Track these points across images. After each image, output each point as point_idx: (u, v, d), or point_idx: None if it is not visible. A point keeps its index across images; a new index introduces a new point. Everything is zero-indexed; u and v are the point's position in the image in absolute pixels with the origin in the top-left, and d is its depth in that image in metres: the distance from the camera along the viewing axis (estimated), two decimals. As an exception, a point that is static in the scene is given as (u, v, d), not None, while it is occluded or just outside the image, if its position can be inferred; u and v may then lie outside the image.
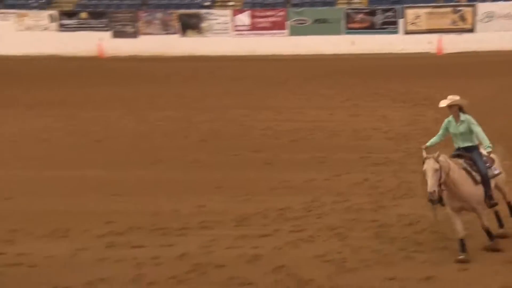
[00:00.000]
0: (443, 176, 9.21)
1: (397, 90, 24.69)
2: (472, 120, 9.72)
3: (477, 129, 9.68)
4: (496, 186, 10.00)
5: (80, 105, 23.07)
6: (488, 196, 9.62)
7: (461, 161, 9.55)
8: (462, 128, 9.71)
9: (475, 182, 9.52)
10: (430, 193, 9.09)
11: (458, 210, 9.54)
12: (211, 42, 37.92)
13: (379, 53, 35.68)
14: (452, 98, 9.76)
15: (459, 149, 9.78)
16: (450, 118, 9.81)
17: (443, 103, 9.74)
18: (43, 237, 10.86)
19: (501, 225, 10.21)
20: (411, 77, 27.63)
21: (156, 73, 30.98)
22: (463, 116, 9.73)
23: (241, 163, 15.33)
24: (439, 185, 9.17)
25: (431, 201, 9.37)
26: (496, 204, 9.76)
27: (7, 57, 36.43)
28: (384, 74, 28.98)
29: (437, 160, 9.18)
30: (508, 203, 10.36)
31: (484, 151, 9.73)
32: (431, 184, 9.09)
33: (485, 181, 9.60)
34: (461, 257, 9.36)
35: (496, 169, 9.92)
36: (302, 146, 16.78)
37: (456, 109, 9.74)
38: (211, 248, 10.22)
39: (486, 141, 9.66)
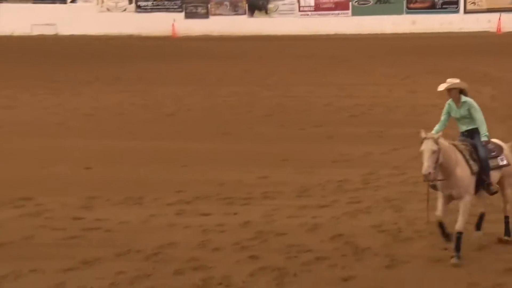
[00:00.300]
0: (441, 158, 8.24)
1: (456, 67, 24.10)
2: (473, 104, 8.74)
3: (477, 114, 8.70)
4: (503, 180, 8.84)
5: (153, 81, 23.33)
6: (486, 184, 8.63)
7: (462, 147, 8.61)
8: (463, 111, 8.76)
9: (472, 172, 8.53)
10: (425, 175, 8.15)
11: (448, 199, 8.60)
12: (277, 22, 37.73)
13: (439, 32, 34.90)
14: (451, 81, 8.78)
15: (463, 133, 8.86)
16: (450, 101, 8.85)
17: (442, 87, 8.77)
18: (118, 204, 11.05)
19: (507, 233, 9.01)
20: (470, 55, 26.95)
21: (225, 52, 31.05)
22: (464, 99, 8.77)
23: (304, 137, 15.28)
24: (436, 167, 8.20)
25: (432, 186, 8.57)
26: (496, 192, 8.74)
27: (89, 37, 37.09)
28: (443, 52, 28.34)
29: (436, 142, 8.23)
30: (506, 217, 9.02)
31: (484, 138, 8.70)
32: (427, 166, 8.12)
33: (483, 168, 8.59)
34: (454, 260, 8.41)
35: (503, 160, 8.83)
36: (361, 121, 16.61)
37: (456, 93, 8.76)
38: (273, 217, 10.22)
39: (483, 128, 8.68)
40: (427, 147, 8.20)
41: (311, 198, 11.03)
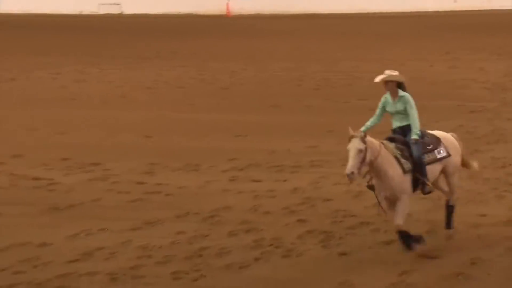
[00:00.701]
0: (369, 157, 7.32)
1: (495, 44, 23.49)
2: (410, 100, 7.73)
3: (412, 111, 7.68)
4: (444, 173, 7.92)
5: (209, 57, 23.36)
6: (421, 183, 7.60)
7: (392, 145, 7.61)
8: (399, 106, 7.74)
9: (404, 170, 7.52)
10: (348, 175, 7.23)
11: (389, 201, 7.65)
12: (325, 1, 37.26)
13: (479, 9, 33.98)
14: (388, 73, 7.76)
15: (395, 130, 7.86)
16: (387, 95, 7.82)
17: (378, 78, 7.75)
18: (177, 170, 11.16)
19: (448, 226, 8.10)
20: (509, 32, 26.17)
21: (276, 30, 30.86)
22: (401, 93, 7.75)
23: (349, 109, 15.13)
24: (362, 167, 7.27)
25: (369, 187, 7.73)
26: (430, 191, 7.75)
27: (151, 15, 37.29)
28: (483, 29, 27.61)
29: (363, 140, 7.30)
30: (447, 204, 8.06)
31: (415, 136, 7.68)
32: (351, 165, 7.20)
33: (417, 166, 7.58)
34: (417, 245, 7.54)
35: (442, 151, 7.84)
36: (404, 95, 16.34)
37: (393, 86, 7.75)
38: (320, 184, 10.19)
39: (416, 126, 7.66)
40: (353, 145, 7.30)
41: (356, 167, 10.92)
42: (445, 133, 8.17)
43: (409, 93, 7.80)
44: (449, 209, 8.13)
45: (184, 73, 20.32)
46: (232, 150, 12.09)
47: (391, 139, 7.74)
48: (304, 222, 8.76)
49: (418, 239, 7.60)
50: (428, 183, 7.62)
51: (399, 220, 7.48)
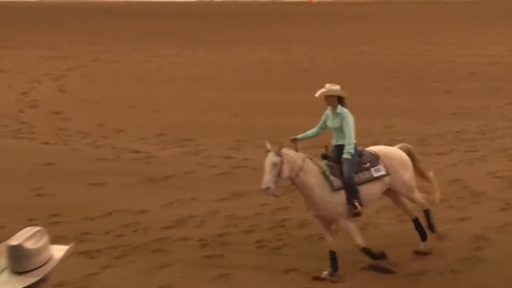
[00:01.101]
0: (286, 172, 6.54)
1: None
2: (347, 117, 6.80)
3: (347, 128, 6.77)
4: (402, 191, 7.04)
5: (292, 41, 23.21)
6: (351, 203, 6.69)
7: (323, 162, 6.77)
8: (337, 122, 6.87)
9: (332, 188, 6.65)
10: (263, 189, 6.51)
11: (322, 220, 6.82)
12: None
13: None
14: (328, 88, 6.91)
15: (332, 148, 6.94)
16: (329, 109, 6.98)
17: (318, 93, 6.92)
18: (262, 146, 11.03)
19: (430, 230, 7.18)
20: None
21: (355, 15, 30.31)
22: (339, 109, 6.86)
23: (425, 91, 14.73)
24: (278, 181, 6.50)
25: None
26: (357, 214, 6.71)
27: (238, 2, 37.35)
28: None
29: (278, 154, 6.54)
30: (414, 218, 7.12)
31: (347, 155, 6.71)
32: (266, 180, 6.47)
33: (347, 186, 6.68)
34: (325, 273, 6.66)
35: (380, 169, 6.88)
36: (479, 78, 15.74)
37: (334, 100, 6.89)
38: (396, 162, 9.96)
39: (349, 144, 6.73)
40: (268, 159, 6.58)
41: (431, 146, 10.65)
42: (390, 149, 7.23)
43: (348, 109, 6.92)
44: (426, 213, 7.22)
45: (269, 57, 20.30)
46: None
47: (324, 156, 6.88)
48: (381, 197, 8.59)
49: (381, 256, 6.78)
50: (357, 205, 6.68)
51: (358, 240, 6.75)
